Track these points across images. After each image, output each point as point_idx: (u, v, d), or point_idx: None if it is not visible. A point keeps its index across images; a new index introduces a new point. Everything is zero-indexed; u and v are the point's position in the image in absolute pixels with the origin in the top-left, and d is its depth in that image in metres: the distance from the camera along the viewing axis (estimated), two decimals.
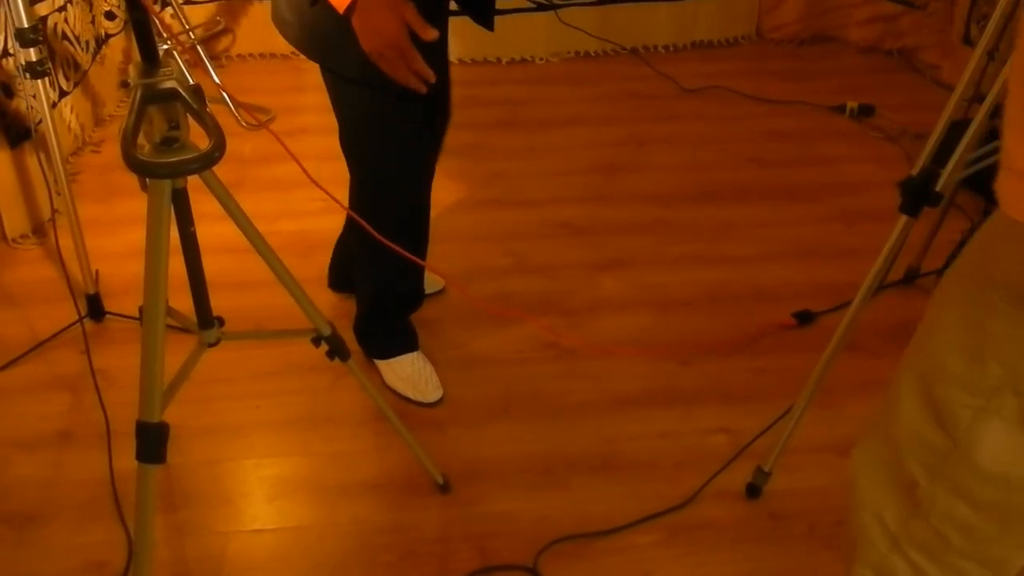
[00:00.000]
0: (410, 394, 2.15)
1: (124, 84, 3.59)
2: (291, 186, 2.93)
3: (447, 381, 2.20)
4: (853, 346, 2.26)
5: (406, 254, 1.68)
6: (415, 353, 2.21)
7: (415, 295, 2.20)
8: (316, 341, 1.64)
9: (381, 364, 2.21)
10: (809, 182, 3.06)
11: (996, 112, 1.63)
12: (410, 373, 2.17)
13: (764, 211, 2.90)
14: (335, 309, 2.41)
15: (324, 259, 2.64)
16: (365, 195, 1.96)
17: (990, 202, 0.87)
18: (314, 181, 1.53)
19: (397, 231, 1.73)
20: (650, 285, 2.56)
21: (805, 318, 2.41)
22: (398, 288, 2.15)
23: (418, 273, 2.13)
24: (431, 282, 2.49)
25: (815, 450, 2.02)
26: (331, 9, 1.52)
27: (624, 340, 2.35)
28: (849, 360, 2.22)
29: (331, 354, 1.65)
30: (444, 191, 2.75)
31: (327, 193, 1.57)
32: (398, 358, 2.19)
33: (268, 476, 1.98)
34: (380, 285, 2.13)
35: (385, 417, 1.89)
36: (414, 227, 2.03)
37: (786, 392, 2.12)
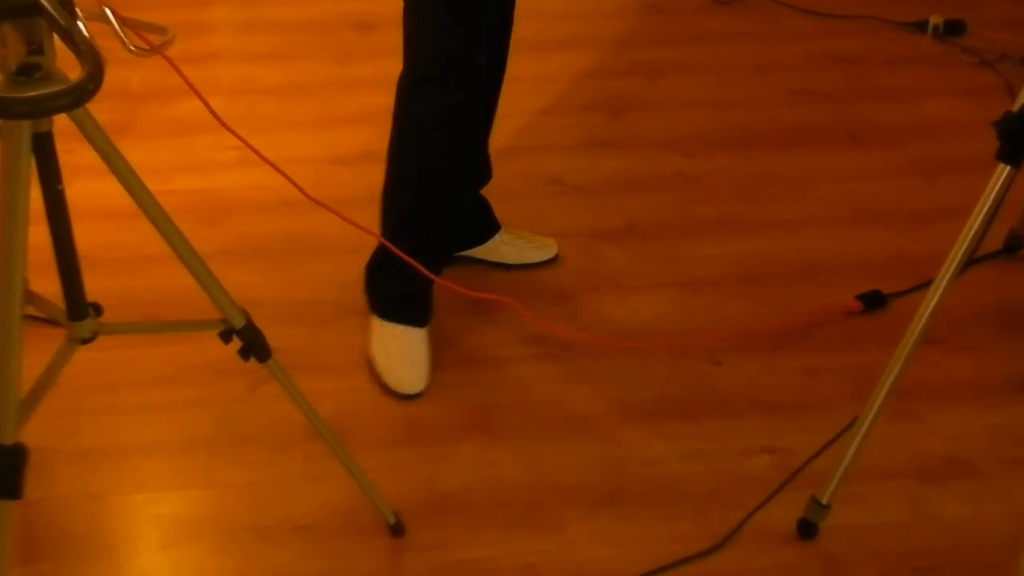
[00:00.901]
0: (384, 374, 2.20)
1: None
2: (194, 130, 2.91)
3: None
4: (937, 338, 2.26)
5: (374, 242, 1.67)
6: (416, 329, 2.25)
7: (442, 244, 2.27)
8: (226, 336, 1.63)
9: (375, 324, 2.26)
10: (878, 122, 3.06)
11: None
12: (396, 349, 2.22)
13: (819, 161, 2.90)
14: (252, 292, 2.39)
15: (236, 226, 2.62)
16: (408, 92, 2.07)
17: None
18: (224, 124, 1.51)
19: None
20: (670, 259, 2.56)
21: (874, 302, 2.42)
22: (422, 229, 2.20)
23: (451, 214, 2.24)
24: (540, 248, 2.53)
25: (887, 475, 2.03)
26: None
27: (637, 331, 2.36)
28: (932, 356, 2.22)
29: (245, 352, 1.64)
30: None
31: (242, 140, 1.55)
32: (395, 325, 2.24)
33: (162, 515, 1.97)
34: (404, 217, 2.19)
35: (318, 435, 1.88)
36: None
37: (849, 399, 2.13)
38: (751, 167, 2.87)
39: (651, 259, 2.56)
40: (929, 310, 1.73)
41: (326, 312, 2.40)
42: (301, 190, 1.63)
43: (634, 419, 2.15)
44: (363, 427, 2.13)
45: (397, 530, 1.92)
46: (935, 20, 3.47)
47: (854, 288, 2.45)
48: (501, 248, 2.49)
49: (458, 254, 2.48)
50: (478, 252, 2.49)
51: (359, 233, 1.86)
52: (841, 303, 2.42)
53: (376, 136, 2.61)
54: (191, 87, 1.48)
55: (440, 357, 2.29)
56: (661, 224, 2.67)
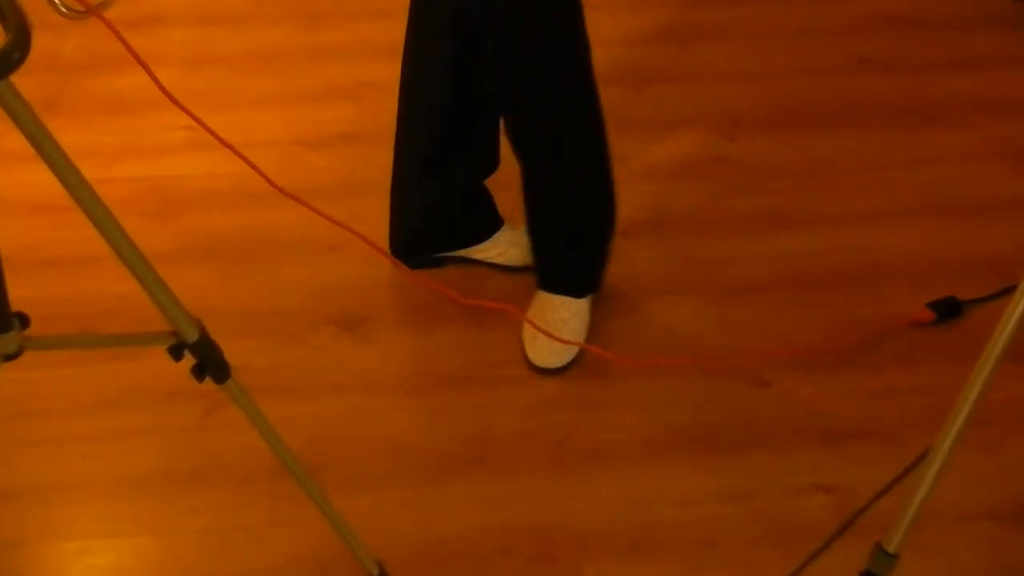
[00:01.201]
0: (524, 344, 2.34)
1: None
2: (138, 107, 2.92)
3: (390, 411, 2.21)
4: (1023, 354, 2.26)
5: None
6: (573, 300, 2.37)
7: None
8: (176, 352, 1.61)
9: (536, 293, 2.40)
10: (951, 97, 3.06)
11: None
12: (544, 319, 2.33)
13: (881, 143, 2.91)
14: (207, 299, 2.39)
15: (189, 221, 2.62)
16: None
17: None
18: (174, 100, 1.50)
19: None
20: (704, 260, 2.57)
21: (948, 310, 2.42)
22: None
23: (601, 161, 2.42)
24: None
25: (965, 519, 2.02)
26: None
27: (667, 347, 2.36)
28: (1018, 375, 2.21)
29: (199, 371, 1.63)
30: (387, 116, 2.75)
31: (195, 119, 1.54)
32: (552, 295, 2.38)
33: (98, 567, 1.96)
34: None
35: (286, 469, 1.87)
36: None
37: (919, 427, 2.13)
38: (800, 151, 2.88)
39: (683, 260, 2.56)
40: (1014, 320, 1.71)
41: (295, 323, 2.40)
42: (266, 178, 1.62)
43: (664, 451, 2.16)
44: (340, 460, 2.13)
45: None
46: None
47: (925, 295, 2.44)
48: (504, 248, 2.48)
49: (454, 254, 2.48)
50: (477, 252, 2.49)
51: (334, 229, 1.85)
52: (910, 312, 2.42)
53: (353, 114, 2.61)
54: (135, 56, 1.47)
55: (432, 376, 2.29)
56: (694, 219, 2.67)
